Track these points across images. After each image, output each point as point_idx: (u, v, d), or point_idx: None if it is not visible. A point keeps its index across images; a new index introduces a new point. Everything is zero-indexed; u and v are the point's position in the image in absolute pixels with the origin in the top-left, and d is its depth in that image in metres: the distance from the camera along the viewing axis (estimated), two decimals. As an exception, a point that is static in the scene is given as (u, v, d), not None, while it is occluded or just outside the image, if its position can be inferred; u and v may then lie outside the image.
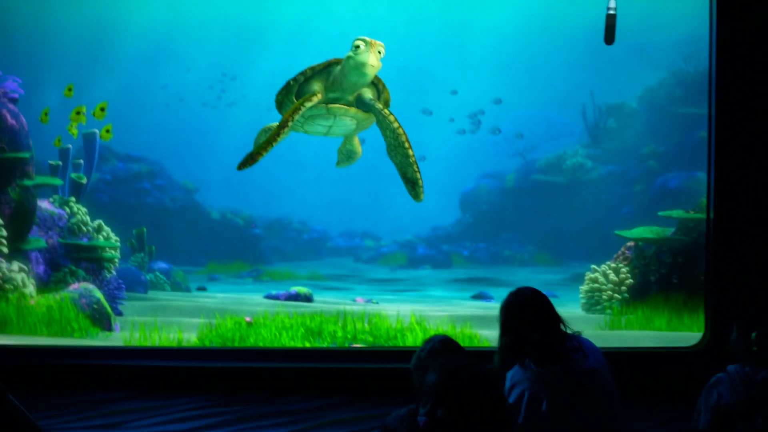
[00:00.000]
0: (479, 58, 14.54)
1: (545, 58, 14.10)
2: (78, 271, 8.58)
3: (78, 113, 8.89)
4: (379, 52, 6.01)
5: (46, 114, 8.64)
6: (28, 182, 8.33)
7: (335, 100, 6.30)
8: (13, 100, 8.35)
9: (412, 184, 6.31)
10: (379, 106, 6.23)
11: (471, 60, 14.75)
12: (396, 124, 6.16)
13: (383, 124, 6.27)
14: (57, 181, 9.17)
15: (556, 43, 13.89)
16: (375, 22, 14.58)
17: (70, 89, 8.80)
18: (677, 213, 8.42)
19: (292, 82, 6.39)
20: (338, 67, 6.19)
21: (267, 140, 6.05)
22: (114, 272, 8.97)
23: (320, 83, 6.32)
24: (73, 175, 9.36)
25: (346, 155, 7.29)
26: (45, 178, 9.00)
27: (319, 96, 6.20)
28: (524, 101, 13.93)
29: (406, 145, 6.15)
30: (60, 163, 9.39)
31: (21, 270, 8.08)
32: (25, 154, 8.29)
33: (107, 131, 9.22)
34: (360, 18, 14.61)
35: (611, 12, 5.83)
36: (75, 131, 8.96)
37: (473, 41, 14.81)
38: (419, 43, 14.89)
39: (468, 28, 15.00)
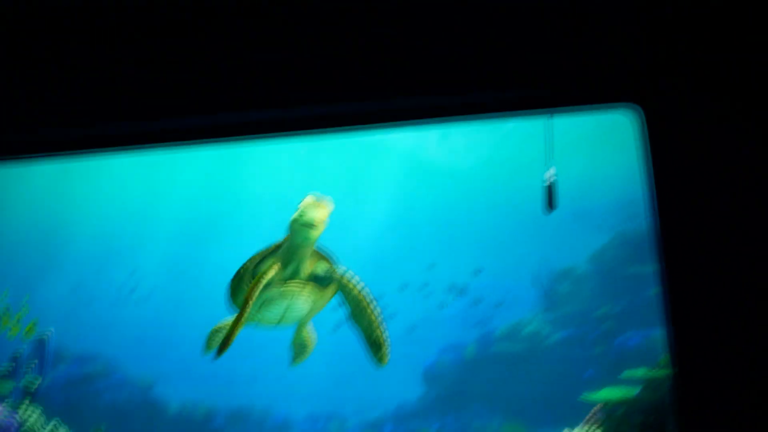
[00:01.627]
0: (427, 234, 14.87)
1: (494, 229, 14.49)
2: (33, 480, 8.19)
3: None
4: (327, 206, 5.93)
5: None
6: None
7: (290, 278, 6.24)
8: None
9: (378, 347, 6.18)
10: (337, 274, 6.22)
11: (419, 234, 15.07)
12: (356, 291, 6.12)
13: (344, 291, 6.23)
14: (8, 386, 8.92)
15: (503, 214, 14.32)
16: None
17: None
18: (641, 371, 8.44)
19: (242, 270, 6.36)
20: (290, 226, 6.10)
21: (236, 320, 5.97)
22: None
23: (272, 261, 6.29)
24: (26, 379, 9.12)
25: (300, 348, 7.14)
26: (-4, 385, 8.76)
27: (275, 268, 6.12)
28: (478, 273, 14.15)
29: (369, 309, 6.08)
30: (13, 364, 9.17)
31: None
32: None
33: (29, 330, 9.08)
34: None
35: (551, 180, 6.08)
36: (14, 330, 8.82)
37: (420, 218, 15.20)
38: (369, 223, 15.22)
39: (414, 205, 15.43)
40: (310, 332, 7.07)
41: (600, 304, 12.69)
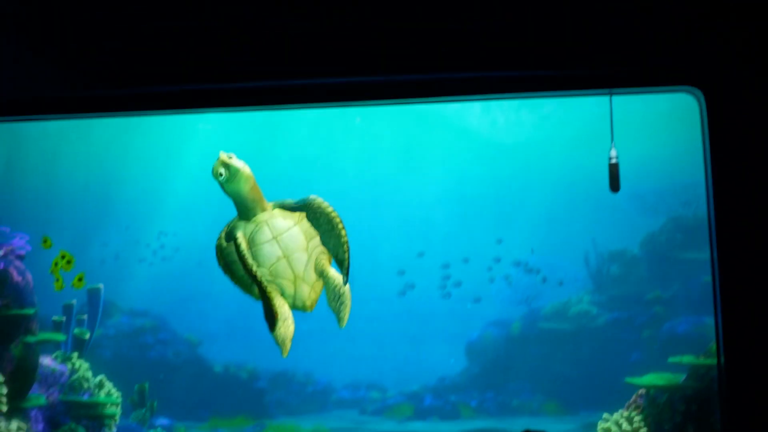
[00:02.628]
0: (480, 208, 14.77)
1: (547, 207, 14.33)
2: (78, 429, 8.40)
3: (67, 262, 8.95)
4: (230, 158, 6.22)
5: (57, 281, 8.67)
6: (31, 339, 8.29)
7: (254, 224, 6.42)
8: (20, 257, 8.43)
9: (341, 264, 6.36)
10: (298, 201, 6.38)
11: (472, 210, 14.98)
12: (330, 209, 6.31)
13: (316, 212, 6.36)
14: (60, 337, 9.13)
15: (556, 192, 14.16)
16: (376, 175, 14.92)
17: (45, 241, 8.90)
18: (687, 359, 8.30)
19: (217, 247, 6.55)
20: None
21: (260, 294, 6.10)
22: (114, 429, 8.77)
23: (239, 229, 6.46)
24: (77, 331, 9.32)
25: (335, 298, 7.16)
26: (48, 335, 8.97)
27: (241, 234, 6.32)
28: (528, 249, 14.03)
29: (340, 226, 6.28)
30: (64, 318, 9.38)
31: (19, 429, 7.90)
32: (30, 311, 8.29)
33: (79, 279, 9.22)
34: (361, 172, 14.96)
35: (613, 161, 5.97)
36: (60, 282, 8.96)
37: (473, 191, 15.10)
38: (420, 194, 15.16)
39: (467, 179, 15.32)
40: (334, 275, 7.07)
41: (651, 288, 12.51)
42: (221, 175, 6.17)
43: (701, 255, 7.29)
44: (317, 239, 6.62)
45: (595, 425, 8.75)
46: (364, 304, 7.39)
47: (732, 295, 6.17)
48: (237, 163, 6.23)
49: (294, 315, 6.76)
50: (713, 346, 6.75)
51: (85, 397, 8.71)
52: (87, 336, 9.36)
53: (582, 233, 13.65)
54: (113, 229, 13.31)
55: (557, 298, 14.26)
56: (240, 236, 6.32)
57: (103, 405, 8.77)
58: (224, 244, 6.38)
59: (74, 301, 9.50)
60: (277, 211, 6.44)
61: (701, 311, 9.41)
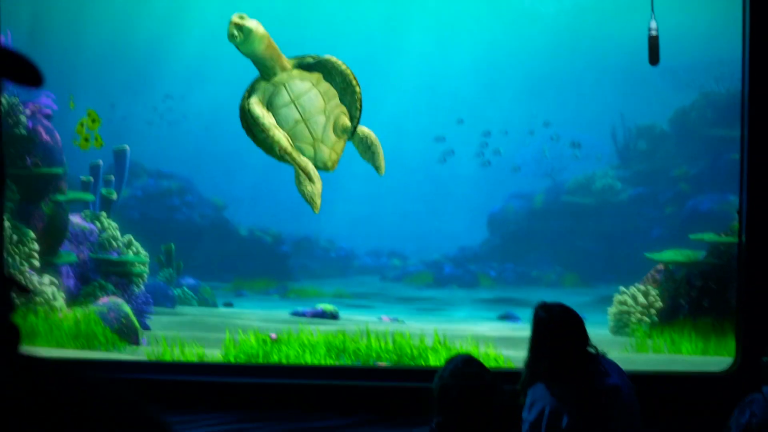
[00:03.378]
0: (508, 79, 14.52)
1: (575, 78, 14.04)
2: (107, 286, 8.66)
3: (92, 121, 9.00)
4: (242, 18, 6.19)
5: (86, 140, 8.72)
6: (60, 197, 8.44)
7: (275, 81, 6.46)
8: (47, 116, 8.48)
9: (352, 120, 6.56)
10: (315, 58, 6.43)
11: (500, 80, 14.73)
12: (343, 66, 6.43)
13: (332, 71, 6.47)
14: (89, 197, 9.28)
15: (586, 63, 13.84)
16: (403, 41, 14.64)
17: (71, 101, 8.93)
18: (708, 236, 8.32)
19: (240, 108, 6.57)
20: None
21: (287, 153, 6.18)
22: (142, 287, 9.04)
23: (258, 94, 6.47)
24: (104, 191, 9.46)
25: (365, 148, 7.18)
26: (77, 194, 9.12)
27: (258, 97, 6.37)
28: (554, 121, 13.87)
29: (354, 83, 6.46)
30: (91, 178, 9.51)
31: (51, 284, 8.17)
32: (59, 170, 8.40)
33: (96, 139, 9.25)
34: (388, 38, 14.67)
35: (653, 33, 5.80)
36: (88, 142, 9.02)
37: (501, 61, 14.81)
38: (449, 63, 14.90)
39: (496, 47, 15.00)
40: (364, 129, 7.12)
41: (677, 164, 12.39)
42: (235, 36, 6.12)
43: (731, 132, 7.17)
44: (336, 100, 6.62)
45: (611, 298, 8.89)
46: (388, 174, 7.41)
47: (759, 174, 6.12)
48: (250, 23, 6.16)
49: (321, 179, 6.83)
50: (735, 224, 6.75)
51: (114, 256, 8.93)
52: (114, 196, 9.50)
53: (610, 107, 13.43)
54: (138, 92, 13.24)
55: (582, 172, 14.21)
56: (254, 102, 6.31)
57: (132, 264, 9.01)
58: (246, 105, 6.38)
59: (101, 162, 9.60)
60: (296, 72, 6.42)
61: (726, 189, 9.33)
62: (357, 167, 7.57)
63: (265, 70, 6.41)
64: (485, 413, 2.91)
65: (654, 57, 5.78)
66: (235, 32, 6.16)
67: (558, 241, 14.04)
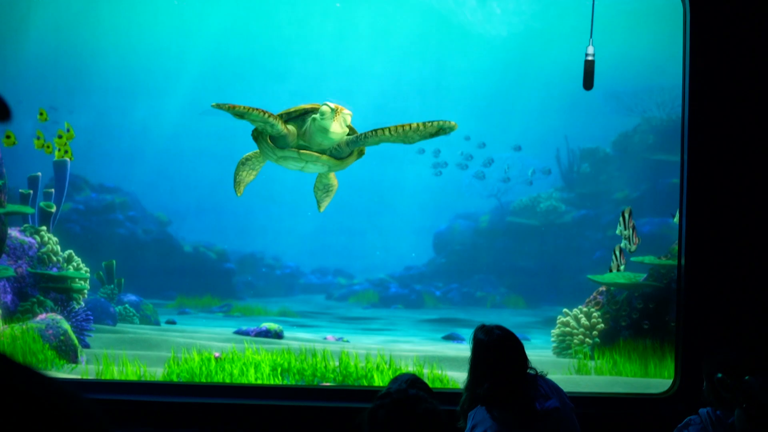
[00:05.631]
0: (454, 100, 14.65)
1: (520, 101, 14.25)
2: (46, 302, 8.45)
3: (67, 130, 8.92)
4: (345, 120, 6.20)
5: (8, 137, 8.52)
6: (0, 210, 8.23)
7: (306, 147, 6.42)
8: (-13, 127, 8.28)
9: (431, 130, 6.39)
10: (361, 141, 6.41)
11: (447, 101, 14.86)
12: (387, 133, 6.37)
13: (368, 141, 6.46)
14: (28, 210, 9.06)
15: (531, 86, 14.05)
16: (353, 60, 14.69)
17: (42, 113, 8.76)
18: (649, 259, 8.47)
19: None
20: (311, 118, 6.35)
21: (244, 109, 6.13)
22: (83, 303, 8.84)
23: (294, 126, 6.42)
24: (42, 204, 9.25)
25: (323, 189, 7.31)
26: (17, 207, 8.89)
27: (284, 127, 6.32)
28: (499, 143, 14.02)
29: (413, 127, 6.29)
30: (30, 191, 9.29)
31: (-13, 299, 7.94)
32: (-2, 182, 8.20)
33: (65, 152, 9.14)
34: (339, 57, 14.71)
35: (590, 58, 5.92)
36: (53, 149, 8.92)
37: (450, 82, 14.95)
38: (397, 83, 14.99)
39: (444, 69, 15.14)
40: (333, 177, 7.19)
41: (619, 187, 12.62)
42: (323, 116, 6.10)
43: (672, 157, 7.34)
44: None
45: (555, 320, 8.98)
46: (336, 192, 7.42)
47: (698, 198, 6.27)
48: (342, 126, 6.19)
49: (266, 202, 6.83)
50: (675, 247, 6.89)
51: (54, 271, 8.73)
52: (53, 209, 9.30)
53: (555, 130, 13.64)
54: (87, 102, 13.01)
55: (526, 194, 14.38)
56: (277, 122, 6.27)
57: (72, 279, 8.81)
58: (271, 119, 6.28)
59: (39, 174, 9.39)
60: (325, 157, 6.44)
61: (666, 213, 9.53)
62: (305, 186, 7.58)
63: (310, 141, 6.43)
64: None
65: (588, 82, 5.90)
66: (341, 125, 6.20)
67: (503, 262, 14.17)
